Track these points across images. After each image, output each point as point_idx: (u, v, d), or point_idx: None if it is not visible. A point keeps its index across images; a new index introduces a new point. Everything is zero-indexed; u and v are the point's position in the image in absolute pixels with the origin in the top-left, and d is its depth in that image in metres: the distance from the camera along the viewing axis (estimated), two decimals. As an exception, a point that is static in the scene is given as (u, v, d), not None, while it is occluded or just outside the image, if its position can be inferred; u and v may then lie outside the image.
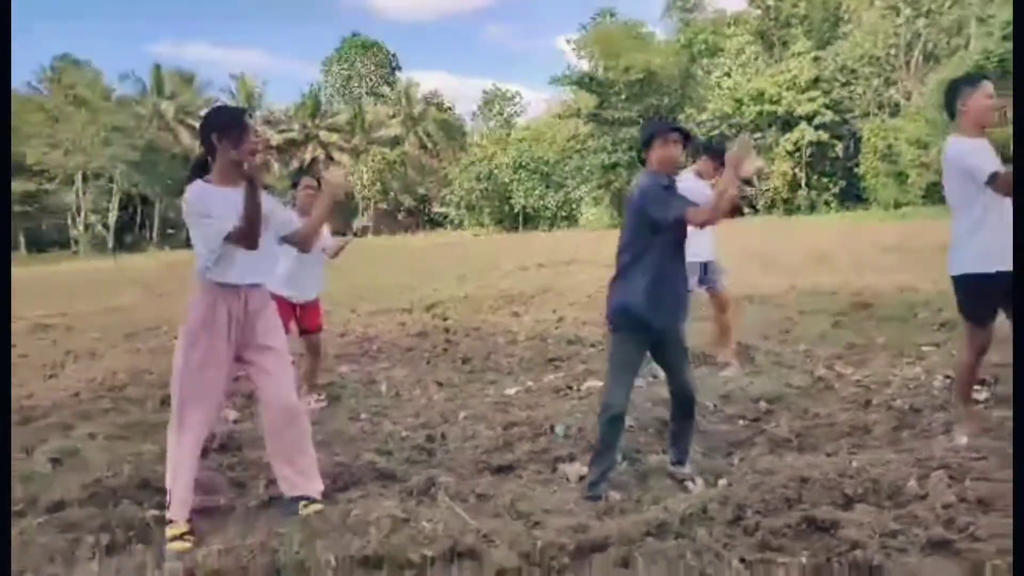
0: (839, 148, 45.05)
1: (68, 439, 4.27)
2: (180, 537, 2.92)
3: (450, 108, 64.92)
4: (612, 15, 52.28)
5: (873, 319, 7.30)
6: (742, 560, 2.54)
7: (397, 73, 66.12)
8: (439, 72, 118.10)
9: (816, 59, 44.38)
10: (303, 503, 3.10)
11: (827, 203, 46.86)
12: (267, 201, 3.08)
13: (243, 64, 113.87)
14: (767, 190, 46.67)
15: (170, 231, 56.26)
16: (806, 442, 3.87)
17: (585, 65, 48.38)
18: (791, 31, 47.50)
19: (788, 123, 44.99)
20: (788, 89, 44.07)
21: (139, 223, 53.27)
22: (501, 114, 64.09)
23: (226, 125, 3.04)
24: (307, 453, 3.20)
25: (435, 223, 59.68)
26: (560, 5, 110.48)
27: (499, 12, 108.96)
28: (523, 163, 51.08)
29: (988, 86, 3.55)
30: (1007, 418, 3.98)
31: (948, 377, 4.81)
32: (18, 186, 46.49)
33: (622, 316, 3.31)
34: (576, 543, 2.69)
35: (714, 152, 5.36)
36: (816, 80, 44.23)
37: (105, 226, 46.80)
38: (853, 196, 45.75)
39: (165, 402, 4.43)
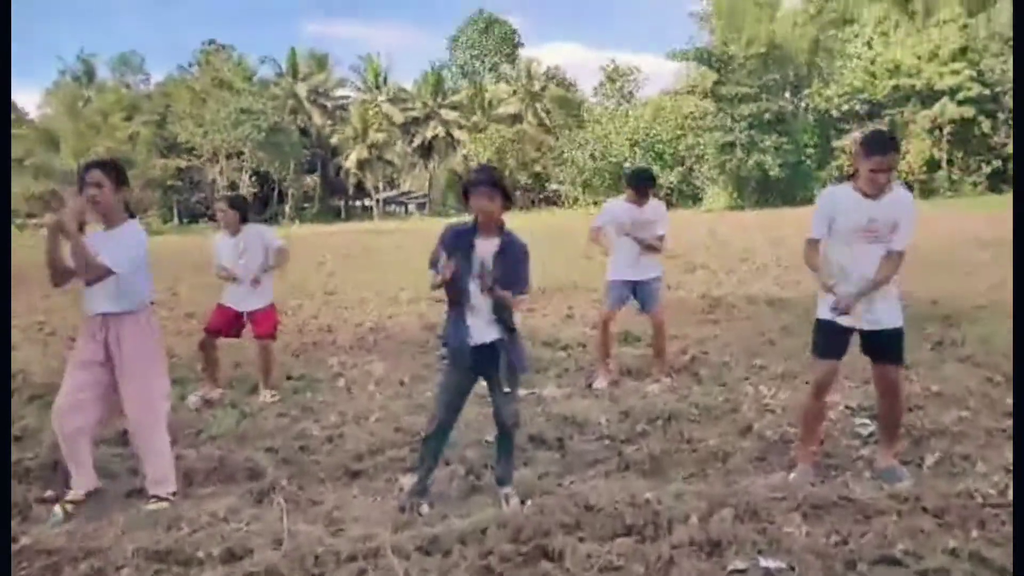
0: (987, 125, 41.08)
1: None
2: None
3: (571, 84, 64.66)
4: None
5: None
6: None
7: (519, 50, 66.52)
8: (572, 44, 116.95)
9: (964, 27, 40.50)
10: (151, 499, 3.63)
11: (974, 185, 43.00)
12: (100, 239, 3.54)
13: (384, 39, 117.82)
14: (902, 171, 43.40)
15: (305, 205, 60.20)
16: (659, 466, 3.97)
17: (707, 38, 46.62)
18: (936, -3, 43.54)
19: (929, 98, 41.51)
20: (929, 60, 40.58)
21: (276, 198, 57.28)
22: (621, 90, 63.07)
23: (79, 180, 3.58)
24: (160, 457, 3.68)
25: (550, 201, 60.03)
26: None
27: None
28: (638, 140, 50.23)
29: (874, 160, 3.46)
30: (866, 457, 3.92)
31: (849, 407, 4.70)
32: (171, 163, 51.43)
33: (444, 346, 3.61)
34: (349, 552, 3.05)
35: (635, 182, 5.62)
36: (963, 50, 40.42)
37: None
38: (1011, 179, 41.69)
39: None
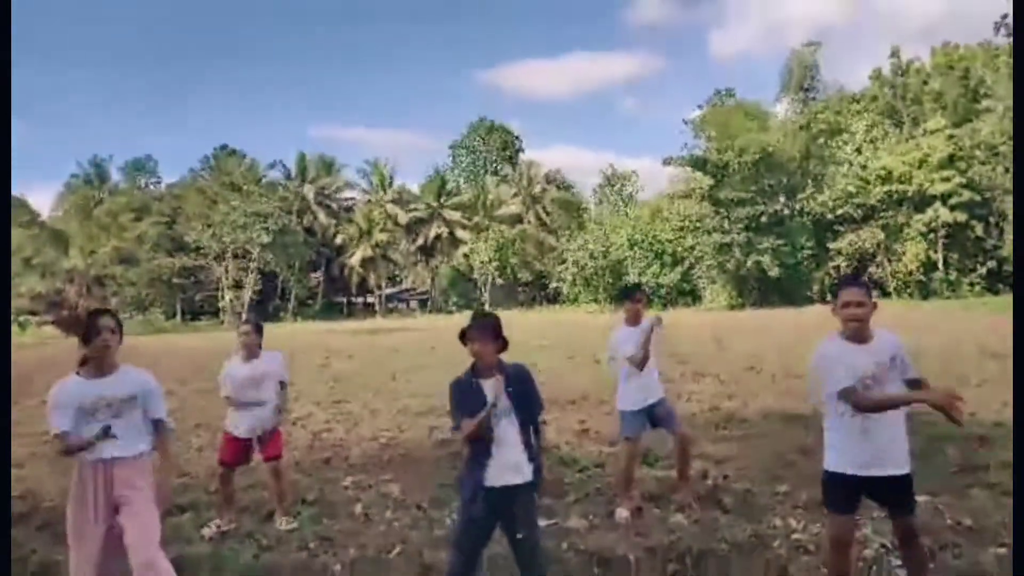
0: (979, 228, 42.01)
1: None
2: None
3: (570, 186, 66.49)
4: (731, 95, 52.16)
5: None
6: None
7: (520, 154, 68.76)
8: (573, 147, 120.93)
9: (951, 137, 42.06)
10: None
11: (971, 285, 43.51)
12: (103, 385, 3.62)
13: (390, 143, 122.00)
14: (899, 272, 44.07)
15: (308, 302, 60.66)
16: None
17: (702, 145, 48.25)
18: (922, 108, 45.44)
19: (922, 202, 42.60)
20: (919, 167, 41.91)
21: (279, 295, 57.75)
22: (619, 192, 64.80)
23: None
24: None
25: (551, 299, 60.55)
26: (696, 80, 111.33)
27: (635, 87, 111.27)
28: (637, 240, 51.17)
29: (842, 295, 3.58)
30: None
31: (884, 546, 4.60)
32: (178, 261, 52.17)
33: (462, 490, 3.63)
34: None
35: (627, 295, 5.78)
36: (952, 158, 41.82)
37: (241, 300, 51.23)
38: (1008, 280, 42.23)
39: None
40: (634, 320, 5.69)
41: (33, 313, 47.25)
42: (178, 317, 53.63)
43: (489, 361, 3.54)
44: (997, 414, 8.57)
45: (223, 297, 53.20)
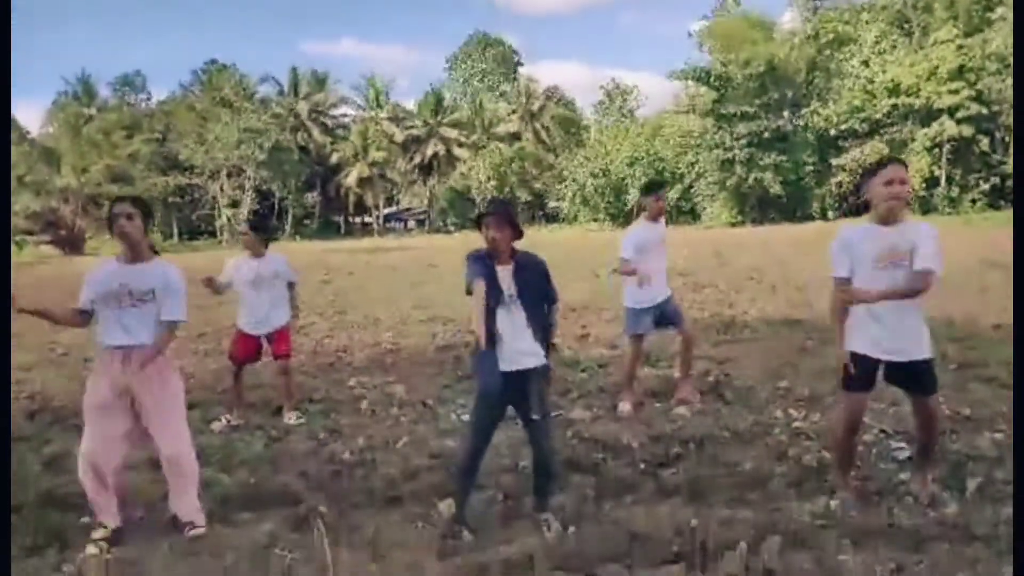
0: (985, 143, 41.38)
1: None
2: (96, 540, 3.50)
3: (570, 103, 65.08)
4: (737, 4, 50.41)
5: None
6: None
7: (519, 69, 66.99)
8: (572, 63, 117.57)
9: (961, 47, 40.87)
10: (188, 527, 3.59)
11: (973, 202, 43.20)
12: (128, 273, 3.59)
13: (384, 58, 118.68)
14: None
15: (305, 222, 60.31)
16: (697, 491, 3.95)
17: (706, 58, 46.97)
18: (933, 16, 43.98)
19: (928, 116, 41.81)
20: (928, 79, 40.91)
21: (277, 214, 57.31)
22: (620, 109, 63.49)
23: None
24: (186, 493, 3.65)
25: (551, 218, 60.22)
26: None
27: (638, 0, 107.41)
28: (638, 158, 50.48)
29: (886, 172, 3.49)
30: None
31: (883, 432, 4.69)
32: (172, 180, 51.53)
33: (475, 377, 3.64)
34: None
35: (651, 190, 5.67)
36: (961, 69, 40.77)
37: (238, 218, 50.71)
38: (1010, 196, 41.90)
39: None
40: (654, 217, 5.62)
41: (29, 232, 47.02)
42: (175, 237, 53.39)
43: (504, 248, 3.50)
44: (997, 317, 8.63)
45: (220, 216, 52.81)
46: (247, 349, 5.71)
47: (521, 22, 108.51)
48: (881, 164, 3.55)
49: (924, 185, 43.03)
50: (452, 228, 58.73)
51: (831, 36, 45.02)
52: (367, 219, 63.59)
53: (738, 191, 44.53)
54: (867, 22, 45.99)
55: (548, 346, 3.60)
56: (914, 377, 3.57)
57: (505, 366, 3.48)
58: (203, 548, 3.34)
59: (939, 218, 38.97)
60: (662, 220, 5.73)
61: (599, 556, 3.15)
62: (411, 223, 67.08)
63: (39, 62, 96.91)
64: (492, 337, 3.45)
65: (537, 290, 3.54)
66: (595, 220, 52.68)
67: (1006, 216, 33.56)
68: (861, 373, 3.53)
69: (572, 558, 3.18)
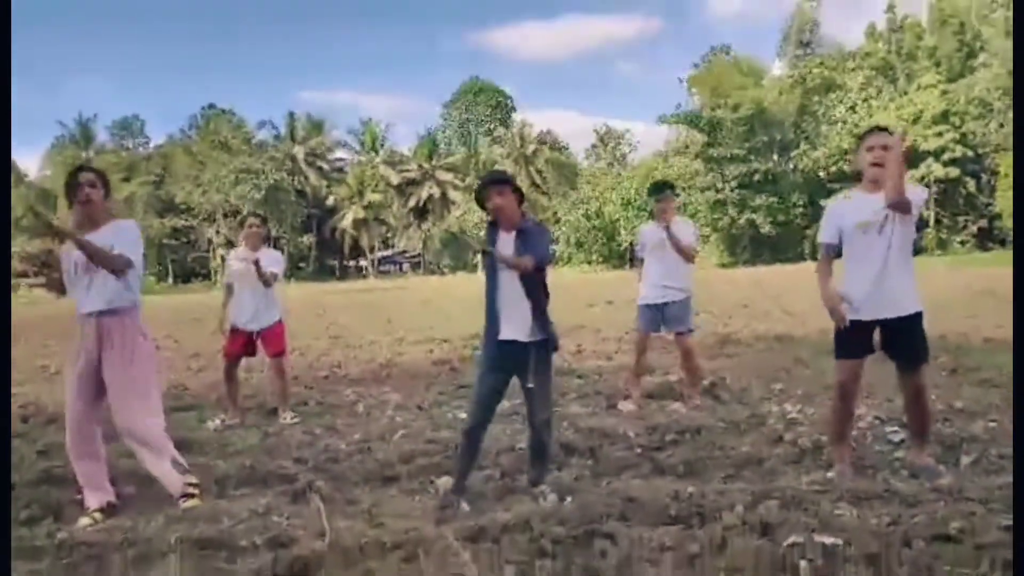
0: (971, 185, 42.12)
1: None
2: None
3: (564, 147, 66.04)
4: (727, 52, 51.75)
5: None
6: (515, 562, 2.78)
7: (513, 115, 68.12)
8: (566, 111, 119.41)
9: (945, 92, 41.92)
10: (183, 498, 3.58)
11: (962, 243, 43.75)
12: (116, 233, 3.64)
13: (380, 106, 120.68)
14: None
15: (300, 265, 60.43)
16: (694, 470, 3.95)
17: (697, 103, 47.96)
18: (916, 64, 45.18)
19: (915, 159, 42.58)
20: (913, 123, 41.82)
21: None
22: (613, 152, 64.45)
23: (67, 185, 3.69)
24: (158, 465, 3.60)
25: (544, 260, 60.47)
26: (694, 43, 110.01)
27: (631, 50, 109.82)
28: (630, 200, 51.06)
29: (868, 139, 3.63)
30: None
31: (878, 418, 4.72)
32: (167, 222, 51.81)
33: (480, 345, 3.66)
34: (394, 541, 3.01)
35: (656, 191, 5.83)
36: (945, 114, 41.74)
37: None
38: (997, 238, 42.49)
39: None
40: (666, 217, 5.69)
41: (23, 275, 47.04)
42: (170, 279, 53.42)
43: (510, 214, 3.52)
44: (989, 333, 8.71)
45: (215, 258, 52.92)
46: (239, 345, 5.73)
47: (517, 70, 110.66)
48: (868, 131, 3.68)
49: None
50: (446, 270, 58.95)
51: (818, 82, 46.10)
52: (362, 262, 63.80)
53: (729, 232, 45.02)
54: (852, 69, 47.20)
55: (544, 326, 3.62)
56: (906, 335, 3.59)
57: (504, 335, 3.52)
58: (200, 516, 3.32)
59: (929, 259, 39.37)
60: (673, 221, 5.72)
61: (597, 517, 3.15)
62: (406, 266, 67.31)
63: (40, 107, 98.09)
64: (494, 305, 3.50)
65: (531, 248, 3.50)
66: (588, 263, 52.98)
67: (994, 257, 33.99)
68: (850, 339, 3.58)
69: (570, 521, 3.18)
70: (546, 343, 3.63)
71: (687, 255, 5.68)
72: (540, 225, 3.68)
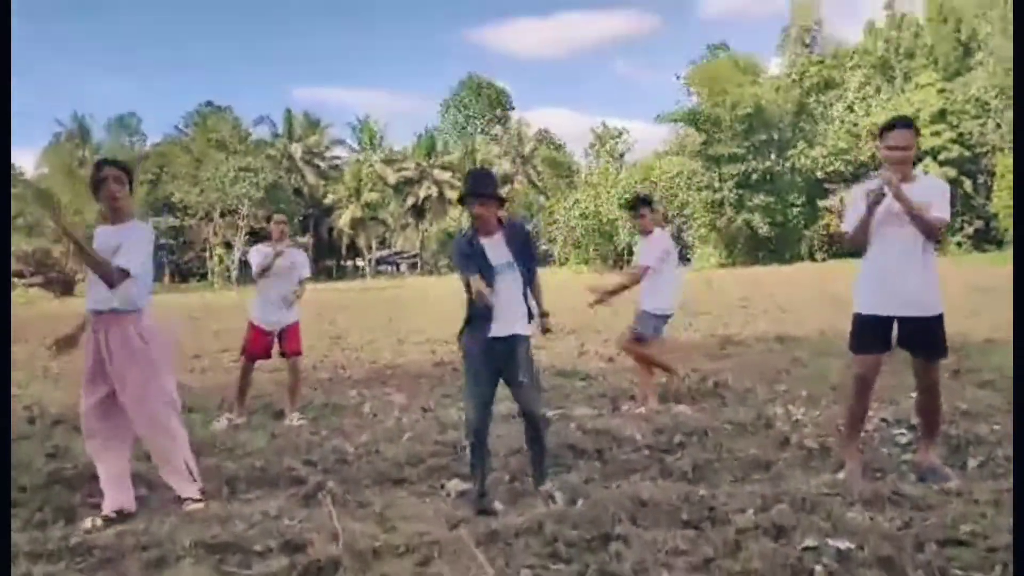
0: (968, 185, 42.17)
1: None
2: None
3: (560, 146, 66.02)
4: (725, 49, 51.71)
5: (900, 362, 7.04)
6: (530, 566, 2.79)
7: (510, 112, 68.13)
8: (564, 110, 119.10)
9: (942, 91, 41.98)
10: (186, 501, 3.58)
11: (959, 244, 43.80)
12: (110, 234, 3.62)
13: (378, 103, 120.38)
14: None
15: (297, 264, 60.21)
16: (703, 473, 3.97)
17: (695, 101, 47.89)
18: (914, 63, 45.25)
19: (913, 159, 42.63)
20: (910, 123, 41.89)
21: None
22: (611, 152, 64.42)
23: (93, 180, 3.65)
24: (173, 463, 3.64)
25: (542, 261, 60.52)
26: (691, 40, 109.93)
27: (628, 48, 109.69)
28: (628, 199, 50.95)
29: (889, 137, 3.64)
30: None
31: (884, 420, 4.74)
32: (164, 221, 51.64)
33: (461, 340, 3.72)
34: (407, 545, 3.02)
35: (631, 207, 5.97)
36: (943, 113, 41.79)
37: (232, 259, 50.71)
38: (994, 239, 42.55)
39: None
40: (643, 231, 5.81)
41: (20, 275, 46.77)
42: (166, 279, 53.24)
43: (490, 221, 3.60)
44: (990, 333, 8.74)
45: (212, 258, 52.78)
46: (260, 345, 5.75)
47: (514, 68, 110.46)
48: (888, 127, 3.66)
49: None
50: (444, 270, 58.88)
51: (816, 80, 46.11)
52: (359, 262, 63.72)
53: (727, 232, 45.00)
54: (851, 68, 47.21)
55: (542, 313, 3.80)
56: (926, 334, 3.60)
57: (495, 332, 3.57)
58: (212, 518, 3.33)
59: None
60: (656, 233, 5.80)
61: (610, 520, 3.16)
62: (403, 266, 67.25)
63: (36, 106, 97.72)
64: (490, 309, 3.53)
65: (527, 255, 3.70)
66: (585, 262, 52.91)
67: (990, 258, 34.06)
68: (870, 334, 3.60)
69: (582, 525, 3.19)
70: (528, 338, 3.73)
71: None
72: (523, 226, 3.84)
